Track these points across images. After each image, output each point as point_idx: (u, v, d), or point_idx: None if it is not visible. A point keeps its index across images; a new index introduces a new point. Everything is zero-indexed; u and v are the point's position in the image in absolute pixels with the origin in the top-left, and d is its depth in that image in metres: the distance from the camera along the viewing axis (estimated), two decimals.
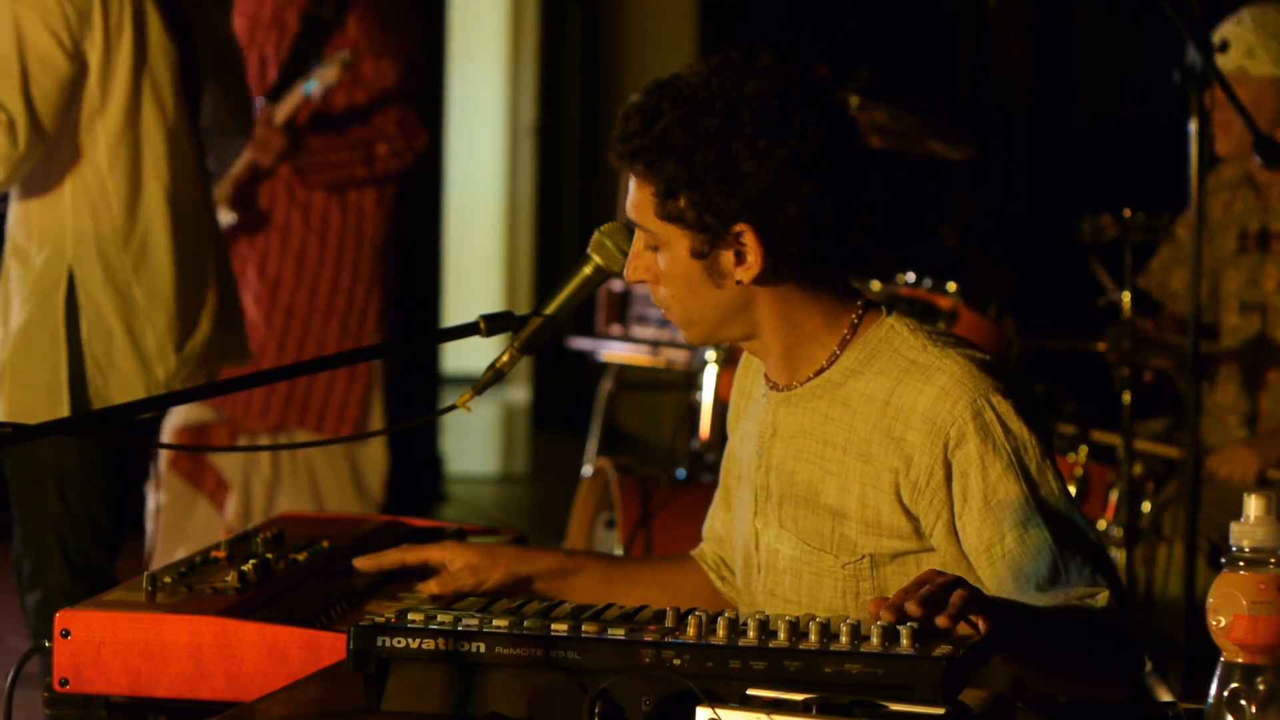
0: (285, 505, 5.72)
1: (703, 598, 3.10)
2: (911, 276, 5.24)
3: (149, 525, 5.75)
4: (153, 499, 5.73)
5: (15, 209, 4.38)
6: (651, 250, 2.79)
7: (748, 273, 2.74)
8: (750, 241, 2.72)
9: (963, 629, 2.36)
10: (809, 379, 2.82)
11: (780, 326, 2.80)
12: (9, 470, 4.43)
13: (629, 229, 2.89)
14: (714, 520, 3.12)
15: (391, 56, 5.71)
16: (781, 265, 2.74)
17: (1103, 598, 2.63)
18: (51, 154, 4.30)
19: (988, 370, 2.73)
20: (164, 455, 5.65)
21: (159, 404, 2.99)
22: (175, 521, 5.77)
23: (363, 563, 3.03)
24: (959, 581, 2.39)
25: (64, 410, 4.25)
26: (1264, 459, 5.01)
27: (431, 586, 2.99)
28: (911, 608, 2.32)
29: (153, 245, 4.34)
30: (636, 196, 2.77)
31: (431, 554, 3.03)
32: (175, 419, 5.75)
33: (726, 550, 3.09)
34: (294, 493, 5.79)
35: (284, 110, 5.54)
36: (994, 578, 2.67)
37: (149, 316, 4.34)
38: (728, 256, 2.74)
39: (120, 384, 4.29)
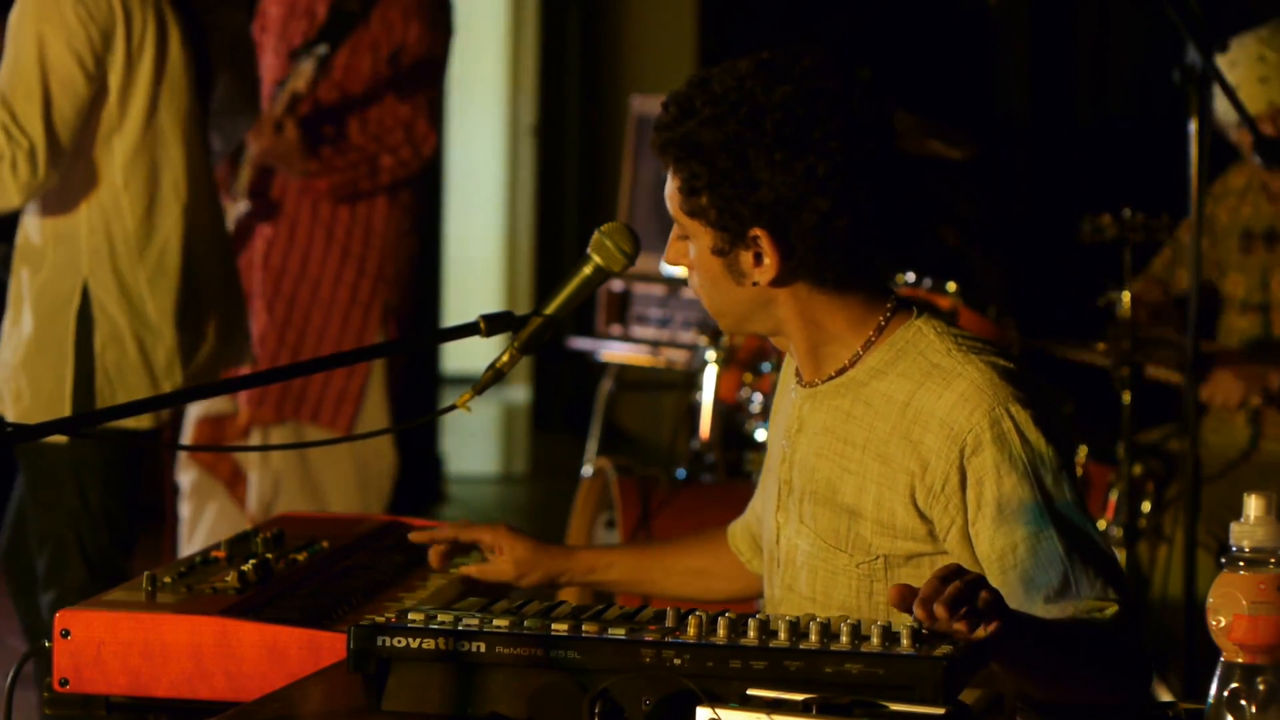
0: (287, 501, 5.73)
1: (736, 578, 3.14)
2: (911, 276, 5.24)
3: (184, 508, 5.77)
4: (184, 479, 5.76)
5: (30, 213, 4.37)
6: (683, 240, 2.81)
7: (764, 275, 2.75)
8: (766, 246, 2.73)
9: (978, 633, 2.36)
10: (831, 377, 2.82)
11: (803, 326, 2.80)
12: (25, 470, 4.43)
13: (629, 229, 2.90)
14: (757, 504, 3.12)
15: (410, 54, 5.70)
16: (799, 270, 2.75)
17: (1111, 611, 2.62)
18: (68, 169, 4.29)
19: (1009, 379, 2.72)
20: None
21: (156, 405, 2.99)
22: (194, 509, 5.79)
23: (417, 536, 3.15)
24: (981, 581, 2.38)
25: None
26: (1249, 386, 5.02)
27: (471, 570, 3.12)
28: (939, 611, 2.32)
29: (168, 260, 4.34)
30: (670, 187, 2.79)
31: (484, 536, 3.15)
32: (195, 410, 5.77)
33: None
34: (296, 489, 5.80)
35: (279, 105, 5.54)
36: (1004, 587, 2.65)
37: (160, 332, 4.34)
38: (746, 257, 2.75)
39: (128, 398, 4.29)
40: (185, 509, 5.79)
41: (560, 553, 3.19)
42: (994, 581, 2.66)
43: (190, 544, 5.71)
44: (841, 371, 2.81)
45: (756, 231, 2.72)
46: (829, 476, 2.81)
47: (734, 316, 2.83)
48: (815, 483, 2.82)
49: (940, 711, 2.19)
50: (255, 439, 5.72)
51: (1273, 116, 5.09)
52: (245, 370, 4.91)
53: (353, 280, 5.74)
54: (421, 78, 5.76)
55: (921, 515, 2.73)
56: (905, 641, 2.27)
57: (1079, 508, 2.70)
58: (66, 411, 4.28)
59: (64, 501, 4.34)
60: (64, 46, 4.19)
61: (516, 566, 3.13)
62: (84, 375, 4.30)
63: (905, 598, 2.36)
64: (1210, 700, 2.21)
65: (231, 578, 2.82)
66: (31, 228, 4.36)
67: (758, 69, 2.72)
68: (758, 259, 2.75)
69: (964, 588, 2.35)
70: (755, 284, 2.76)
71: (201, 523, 5.78)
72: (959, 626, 2.32)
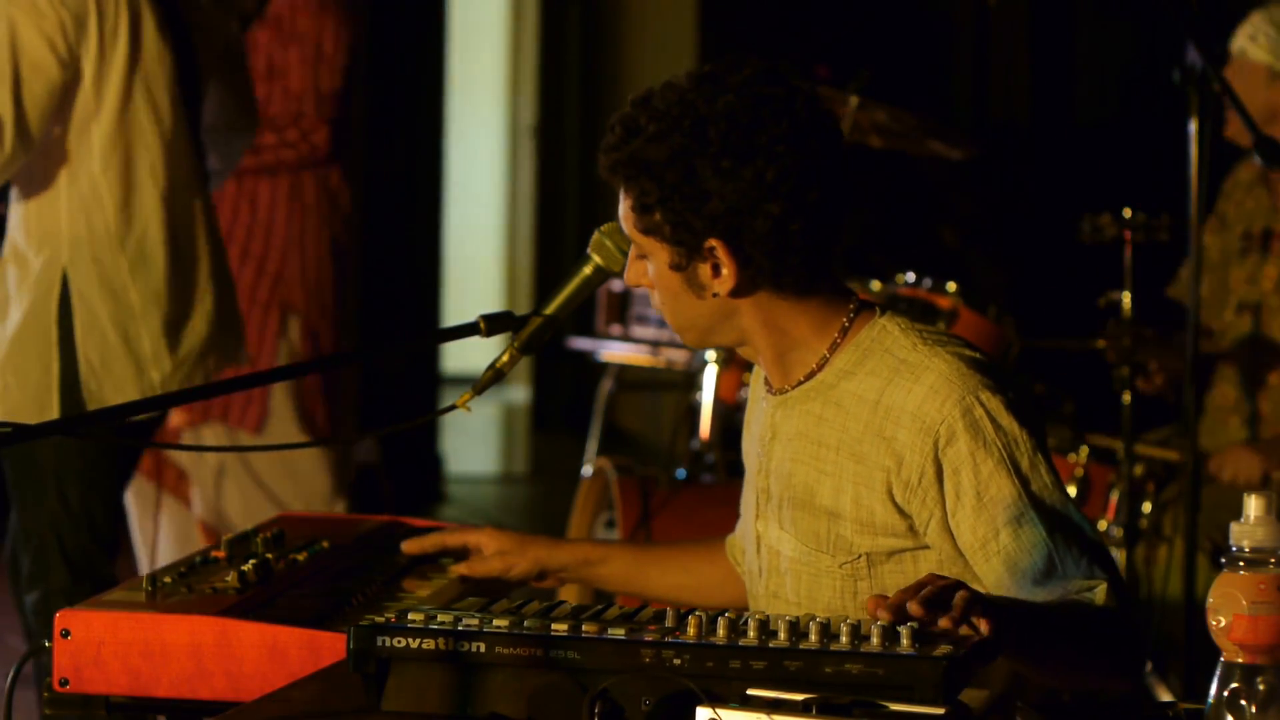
0: (232, 499, 5.74)
1: (731, 586, 3.15)
2: (911, 276, 5.24)
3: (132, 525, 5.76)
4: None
5: (14, 211, 4.39)
6: (642, 259, 2.83)
7: (723, 286, 2.77)
8: (723, 256, 2.75)
9: (963, 630, 2.36)
10: (800, 382, 2.84)
11: (767, 334, 2.82)
12: (8, 469, 4.43)
13: None
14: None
15: (305, 47, 5.68)
16: (758, 278, 2.77)
17: (1101, 591, 2.64)
18: (47, 158, 4.30)
19: (976, 367, 2.74)
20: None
21: (155, 405, 3.00)
22: (144, 518, 5.77)
23: (409, 545, 3.17)
24: (960, 584, 2.39)
25: (53, 412, 4.25)
26: (1267, 461, 5.00)
27: (460, 568, 3.14)
28: (914, 608, 2.33)
29: (149, 248, 4.34)
30: (623, 208, 2.82)
31: (470, 537, 3.19)
32: None
33: None
34: (239, 487, 5.80)
35: None
36: (990, 574, 2.68)
37: (144, 319, 4.34)
38: (705, 269, 2.77)
39: (114, 387, 4.29)
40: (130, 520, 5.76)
41: (547, 542, 3.21)
42: (980, 569, 2.69)
43: (145, 548, 5.67)
44: (810, 376, 2.83)
45: (712, 242, 2.74)
46: (806, 480, 2.82)
47: (698, 330, 2.85)
48: (793, 488, 2.84)
49: (940, 711, 2.19)
50: (188, 440, 5.75)
51: None
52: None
53: (251, 280, 5.74)
54: (318, 72, 5.72)
55: (900, 511, 2.75)
56: (905, 641, 2.27)
57: (1057, 489, 2.73)
58: (54, 403, 4.28)
59: (45, 501, 4.35)
60: (34, 30, 4.21)
61: (502, 559, 3.15)
62: (69, 366, 4.30)
63: (880, 605, 2.36)
64: (1210, 700, 2.21)
65: (231, 578, 2.82)
66: (17, 227, 4.38)
67: (699, 82, 2.75)
68: (716, 270, 2.76)
69: (937, 591, 2.36)
70: (716, 295, 2.78)
71: (157, 529, 5.76)
72: (944, 623, 2.33)
